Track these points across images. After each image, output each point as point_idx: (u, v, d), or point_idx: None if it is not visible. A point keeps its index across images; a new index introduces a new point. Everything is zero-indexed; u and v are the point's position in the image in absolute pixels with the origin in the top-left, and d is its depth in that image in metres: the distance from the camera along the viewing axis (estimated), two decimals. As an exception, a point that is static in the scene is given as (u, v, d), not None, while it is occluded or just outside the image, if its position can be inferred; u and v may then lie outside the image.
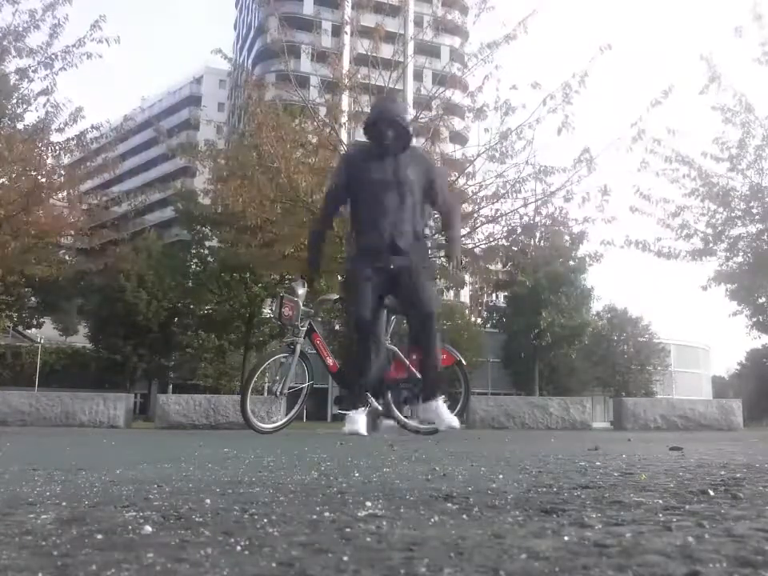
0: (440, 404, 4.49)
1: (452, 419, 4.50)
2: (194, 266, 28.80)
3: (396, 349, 5.31)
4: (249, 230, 14.93)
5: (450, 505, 1.23)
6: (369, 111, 5.42)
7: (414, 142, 4.87)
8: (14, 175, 12.13)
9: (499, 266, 17.16)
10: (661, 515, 1.10)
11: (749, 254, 13.70)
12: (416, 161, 4.70)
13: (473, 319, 40.37)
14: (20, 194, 11.89)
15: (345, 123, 12.71)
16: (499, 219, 12.12)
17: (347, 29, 12.86)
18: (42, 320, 34.13)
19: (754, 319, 17.59)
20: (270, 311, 6.34)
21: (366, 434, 4.48)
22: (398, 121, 4.63)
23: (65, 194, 13.40)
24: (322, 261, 5.21)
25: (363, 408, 4.58)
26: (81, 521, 1.07)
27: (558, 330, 31.18)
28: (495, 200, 11.80)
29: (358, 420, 4.50)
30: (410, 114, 5.21)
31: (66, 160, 12.94)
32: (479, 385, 32.45)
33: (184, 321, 32.09)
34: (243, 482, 1.66)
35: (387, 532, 0.97)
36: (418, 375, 5.18)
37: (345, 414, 4.59)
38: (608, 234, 29.19)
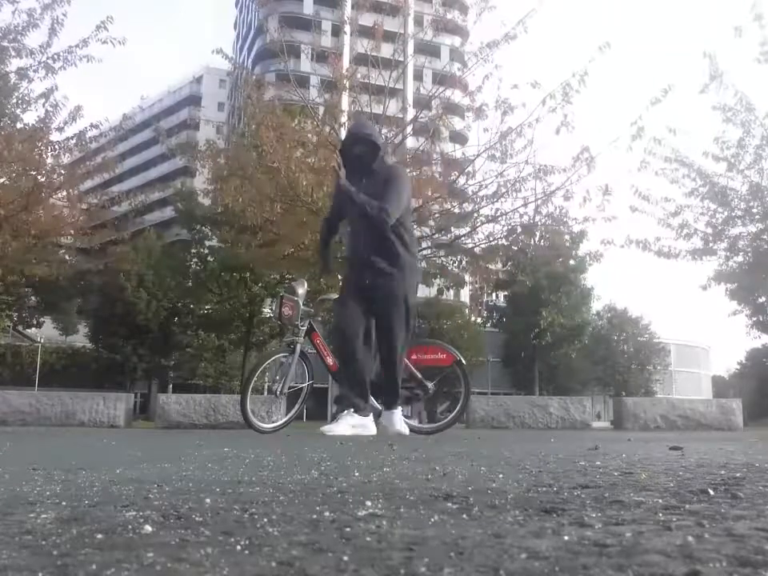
0: (398, 412, 4.79)
1: (403, 427, 4.76)
2: (193, 266, 28.77)
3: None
4: (249, 230, 14.95)
5: (449, 505, 1.23)
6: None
7: (384, 158, 4.94)
8: (13, 175, 12.13)
9: (499, 265, 17.17)
10: (661, 515, 1.10)
11: (749, 254, 13.71)
12: (383, 176, 4.70)
13: (473, 319, 40.36)
14: (20, 193, 11.89)
15: (344, 123, 12.71)
16: (499, 219, 12.12)
17: (346, 28, 12.87)
18: (42, 320, 34.12)
19: (754, 319, 17.60)
20: (270, 311, 6.39)
21: (333, 433, 4.45)
22: (363, 136, 4.76)
23: (65, 193, 13.40)
24: (331, 264, 5.81)
25: (349, 412, 4.61)
26: (81, 521, 1.07)
27: (558, 330, 31.18)
28: (495, 199, 11.80)
29: (339, 422, 4.56)
30: (379, 134, 5.59)
31: (65, 159, 12.94)
32: (479, 384, 32.42)
33: (184, 321, 32.08)
34: (243, 481, 1.66)
35: (387, 532, 0.97)
36: (419, 375, 5.19)
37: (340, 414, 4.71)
38: (608, 234, 29.17)
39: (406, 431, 4.76)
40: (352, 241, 4.91)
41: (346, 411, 4.60)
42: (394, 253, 4.69)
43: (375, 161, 4.71)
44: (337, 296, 6.07)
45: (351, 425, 4.50)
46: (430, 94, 12.54)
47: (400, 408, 4.85)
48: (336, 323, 4.84)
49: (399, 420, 4.77)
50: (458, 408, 5.61)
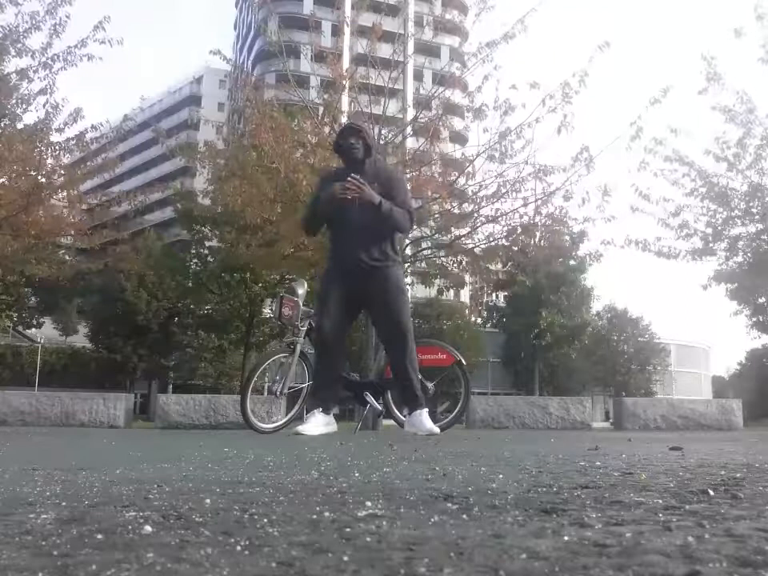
0: (424, 413, 4.66)
1: (432, 426, 4.64)
2: (193, 266, 28.75)
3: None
4: (249, 230, 14.94)
5: (449, 505, 1.23)
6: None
7: (377, 155, 5.04)
8: (14, 175, 12.12)
9: (499, 265, 17.15)
10: (661, 515, 1.10)
11: (749, 254, 13.72)
12: (378, 177, 4.76)
13: (473, 319, 40.38)
14: (20, 194, 11.87)
15: (344, 123, 12.70)
16: (499, 219, 12.11)
17: (346, 29, 12.86)
18: (42, 320, 34.14)
19: (754, 319, 17.61)
20: (270, 311, 6.37)
21: (309, 434, 4.51)
22: (358, 129, 4.85)
23: (65, 194, 13.38)
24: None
25: (319, 411, 4.69)
26: (81, 521, 1.07)
27: (558, 330, 31.22)
28: (495, 200, 11.79)
29: (310, 421, 4.63)
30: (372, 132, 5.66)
31: (65, 160, 12.92)
32: (479, 385, 32.45)
33: (184, 321, 32.09)
34: (243, 481, 1.66)
35: (387, 532, 0.97)
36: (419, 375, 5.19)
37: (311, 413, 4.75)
38: (608, 234, 29.15)
39: (437, 430, 4.64)
40: (345, 243, 4.74)
41: (315, 410, 4.70)
42: (389, 249, 4.79)
43: (368, 156, 4.77)
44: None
45: (322, 424, 4.66)
46: (430, 94, 12.53)
47: (425, 408, 4.70)
48: (319, 324, 4.78)
49: (427, 419, 4.64)
50: (458, 408, 5.61)
